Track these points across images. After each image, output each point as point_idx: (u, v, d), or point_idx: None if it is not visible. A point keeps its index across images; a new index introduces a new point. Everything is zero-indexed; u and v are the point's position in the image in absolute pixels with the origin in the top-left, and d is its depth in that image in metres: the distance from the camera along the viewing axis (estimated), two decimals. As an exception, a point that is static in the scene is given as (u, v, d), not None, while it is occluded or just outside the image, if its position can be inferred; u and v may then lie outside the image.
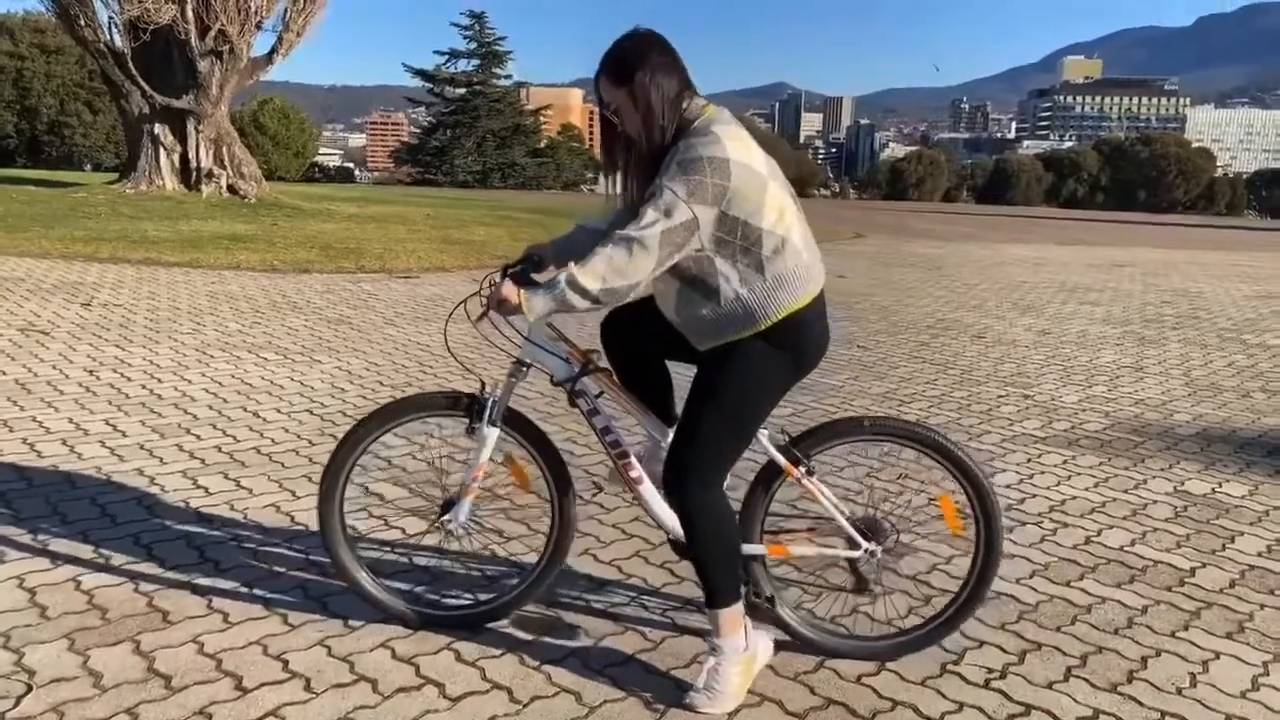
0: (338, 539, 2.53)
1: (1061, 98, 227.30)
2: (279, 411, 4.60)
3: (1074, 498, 3.86)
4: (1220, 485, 4.09)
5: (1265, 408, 5.57)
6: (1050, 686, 2.41)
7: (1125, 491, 3.97)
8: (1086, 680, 2.44)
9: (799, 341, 2.26)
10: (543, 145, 64.15)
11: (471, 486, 2.47)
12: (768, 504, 2.50)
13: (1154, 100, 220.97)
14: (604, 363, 2.47)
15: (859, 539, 2.48)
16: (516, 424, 2.49)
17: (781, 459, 2.44)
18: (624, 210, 2.40)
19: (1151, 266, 15.00)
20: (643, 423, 2.52)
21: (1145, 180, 77.95)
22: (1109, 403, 5.52)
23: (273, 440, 4.15)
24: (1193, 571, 3.18)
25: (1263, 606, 2.92)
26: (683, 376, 2.45)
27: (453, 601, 2.73)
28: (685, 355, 2.44)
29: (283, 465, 3.84)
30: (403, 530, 3.24)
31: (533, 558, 2.85)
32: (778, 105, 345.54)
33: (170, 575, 2.81)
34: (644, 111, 2.14)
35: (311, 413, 4.61)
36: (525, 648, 2.49)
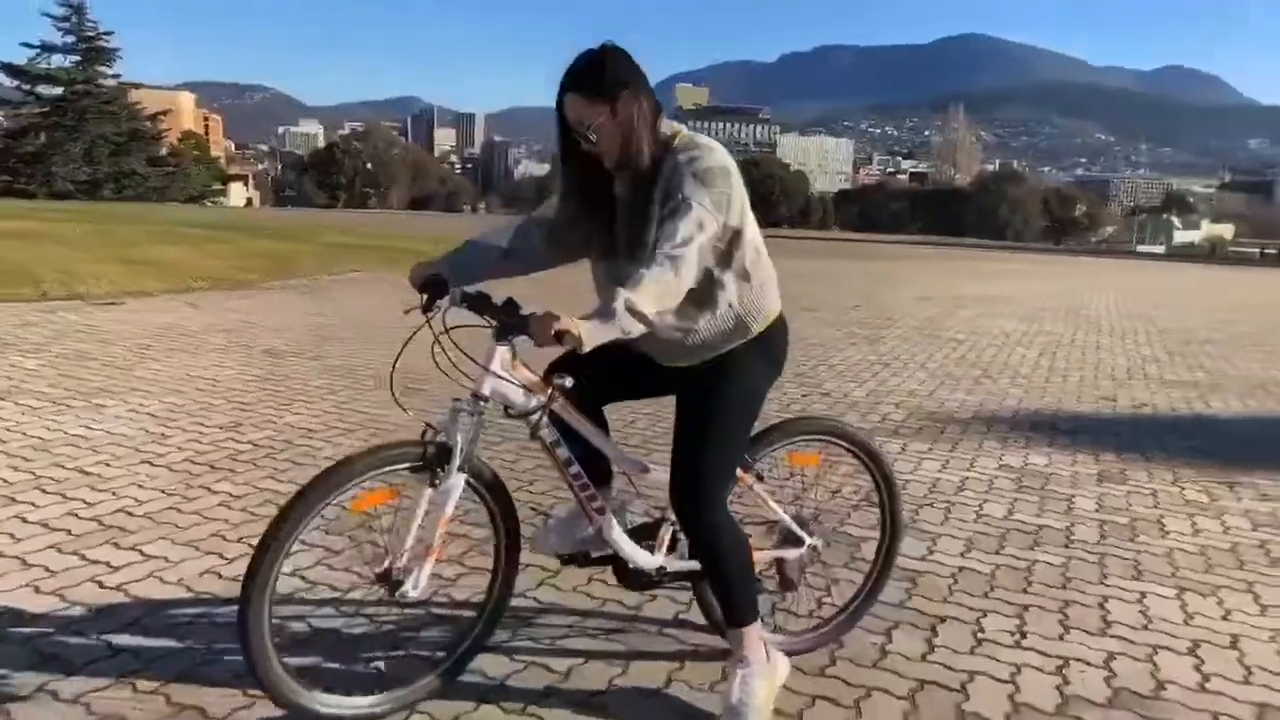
0: (265, 647, 2.01)
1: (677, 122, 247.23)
2: (110, 466, 3.92)
3: (938, 479, 4.40)
4: (1026, 458, 4.86)
5: (999, 390, 6.63)
6: (1061, 639, 2.80)
7: (968, 469, 4.59)
8: (1082, 629, 2.87)
9: (778, 346, 2.36)
10: (164, 153, 58.01)
11: (434, 547, 2.15)
12: None
13: (751, 127, 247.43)
14: (568, 383, 2.18)
15: (803, 535, 2.64)
16: (476, 472, 2.22)
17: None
18: (528, 226, 2.33)
19: (816, 275, 16.96)
20: (604, 450, 2.39)
21: (756, 199, 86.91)
22: (890, 394, 6.28)
23: (135, 500, 3.55)
24: (1070, 529, 3.80)
25: (1138, 552, 3.58)
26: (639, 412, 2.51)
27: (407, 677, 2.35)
28: (626, 393, 2.49)
29: (176, 526, 3.31)
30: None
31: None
32: (410, 119, 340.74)
33: (158, 665, 2.37)
34: (629, 130, 2.05)
35: (153, 464, 3.98)
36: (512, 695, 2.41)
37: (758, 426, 2.45)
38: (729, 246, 2.15)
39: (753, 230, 2.20)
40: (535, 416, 2.20)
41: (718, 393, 2.26)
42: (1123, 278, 21.22)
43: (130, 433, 4.42)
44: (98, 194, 49.53)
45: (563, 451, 2.29)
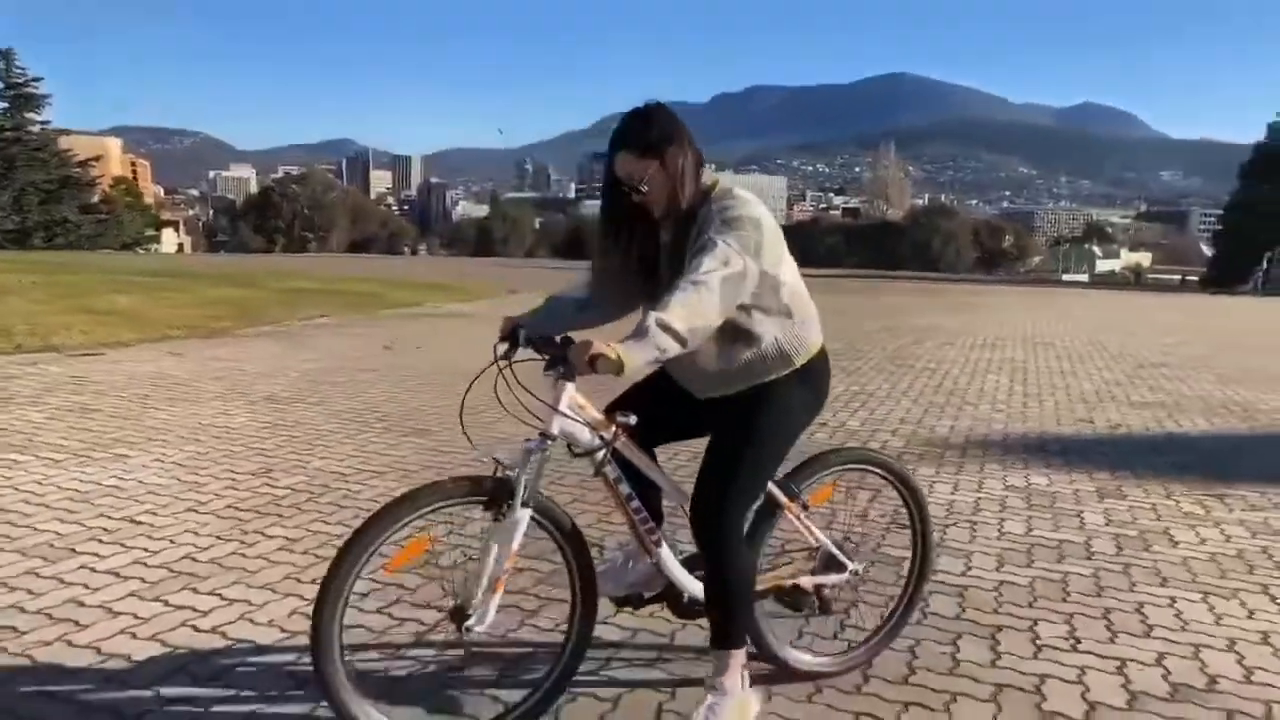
0: (336, 669, 2.10)
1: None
2: (157, 515, 3.94)
3: (953, 501, 4.62)
4: (1028, 478, 5.12)
5: (983, 416, 6.92)
6: (1112, 642, 3.01)
7: (977, 490, 4.83)
8: (1127, 633, 3.09)
9: (821, 378, 2.49)
10: (97, 200, 56.74)
11: (501, 580, 2.23)
12: (765, 540, 2.65)
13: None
14: (632, 420, 2.27)
15: (846, 561, 2.77)
16: (543, 509, 2.30)
17: (781, 495, 2.59)
18: (604, 278, 2.44)
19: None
20: (661, 484, 2.51)
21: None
22: (884, 422, 6.52)
23: (196, 546, 3.59)
24: (1088, 542, 4.03)
25: (1156, 561, 3.82)
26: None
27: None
28: (675, 434, 2.60)
29: (245, 570, 3.36)
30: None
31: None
32: (345, 161, 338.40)
33: (290, 704, 2.44)
34: (676, 182, 2.22)
35: (198, 512, 4.01)
36: None
37: (800, 457, 2.57)
38: (767, 290, 2.28)
39: (790, 274, 2.35)
40: (600, 454, 2.29)
41: (756, 417, 2.36)
42: (1061, 305, 22.00)
43: (164, 482, 4.43)
44: (27, 243, 48.19)
45: (624, 488, 2.39)
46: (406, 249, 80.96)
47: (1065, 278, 72.85)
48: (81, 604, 3.02)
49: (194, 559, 3.45)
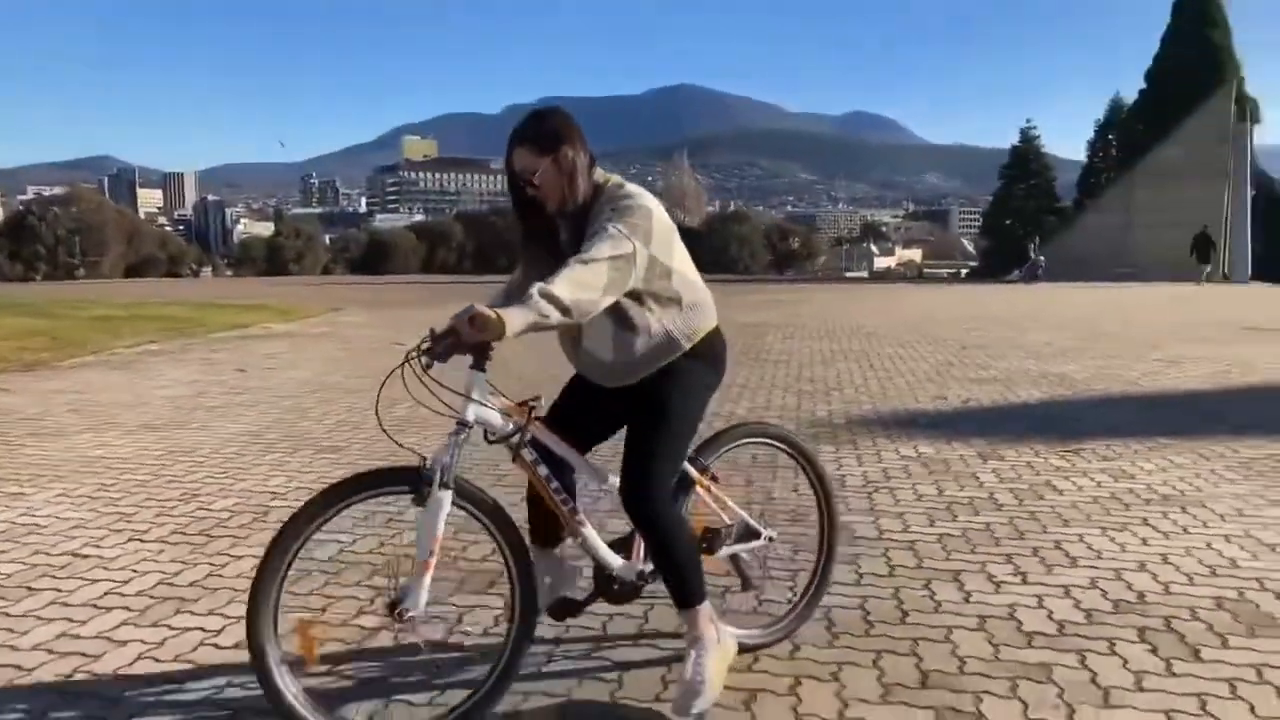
0: (271, 662, 2.22)
1: (406, 174, 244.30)
2: (101, 547, 3.74)
3: (865, 472, 5.07)
4: (916, 448, 5.66)
5: (852, 399, 7.50)
6: (1050, 573, 3.48)
7: (879, 461, 5.30)
8: (1059, 566, 3.57)
9: (716, 353, 2.65)
10: None
11: (428, 562, 2.28)
12: (681, 513, 2.75)
13: (484, 178, 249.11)
14: (540, 401, 2.43)
15: (760, 529, 2.92)
16: (465, 493, 2.35)
17: (694, 471, 2.73)
18: (525, 276, 2.56)
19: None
20: (581, 470, 2.60)
21: (501, 245, 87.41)
22: (768, 409, 6.96)
23: (164, 572, 3.47)
24: (993, 497, 4.56)
25: (1053, 507, 4.38)
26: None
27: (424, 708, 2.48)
28: (599, 433, 2.74)
29: (233, 590, 3.29)
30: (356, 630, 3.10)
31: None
32: (108, 180, 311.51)
33: (352, 698, 2.46)
34: (568, 178, 2.38)
35: (143, 540, 3.84)
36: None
37: (707, 433, 2.76)
38: (658, 277, 2.43)
39: (681, 262, 2.50)
40: (515, 439, 2.41)
41: (662, 398, 2.52)
42: (861, 298, 23.61)
43: (84, 515, 4.17)
44: None
45: (543, 469, 2.48)
46: (189, 271, 75.62)
47: (848, 274, 77.89)
48: (77, 637, 2.87)
49: (171, 584, 3.32)
